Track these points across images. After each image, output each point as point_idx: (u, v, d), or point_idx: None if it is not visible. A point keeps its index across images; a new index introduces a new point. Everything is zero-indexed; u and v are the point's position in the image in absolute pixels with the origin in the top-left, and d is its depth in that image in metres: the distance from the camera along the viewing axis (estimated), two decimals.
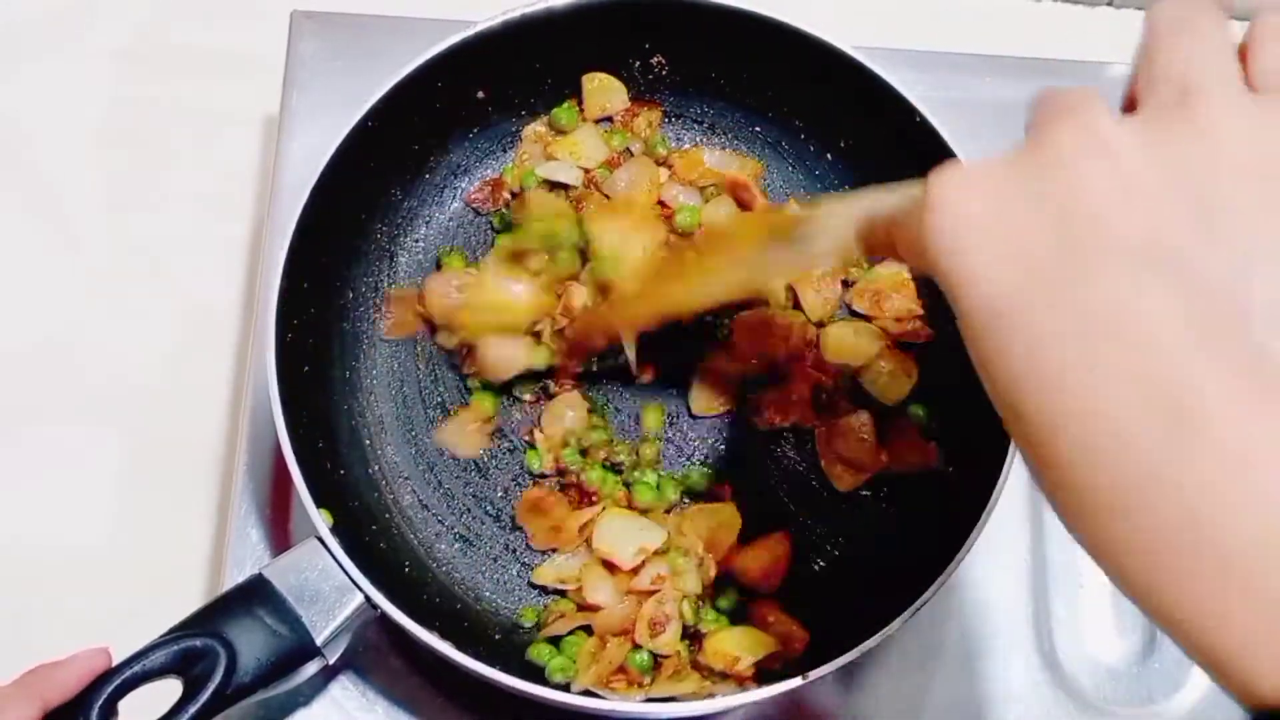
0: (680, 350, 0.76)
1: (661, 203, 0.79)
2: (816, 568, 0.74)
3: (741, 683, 0.66)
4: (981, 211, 0.35)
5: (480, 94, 0.78)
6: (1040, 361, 0.34)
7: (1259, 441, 0.31)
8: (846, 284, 0.79)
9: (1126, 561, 0.34)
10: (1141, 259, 0.33)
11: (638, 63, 0.80)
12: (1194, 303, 0.33)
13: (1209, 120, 0.34)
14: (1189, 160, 0.34)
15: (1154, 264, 0.33)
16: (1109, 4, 0.99)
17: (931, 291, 0.77)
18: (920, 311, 0.76)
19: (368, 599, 0.62)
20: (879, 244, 0.46)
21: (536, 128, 0.80)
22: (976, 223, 0.35)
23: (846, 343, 0.77)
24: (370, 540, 0.70)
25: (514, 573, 0.73)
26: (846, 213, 0.49)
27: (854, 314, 0.78)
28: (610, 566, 0.70)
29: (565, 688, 0.66)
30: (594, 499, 0.72)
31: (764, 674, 0.67)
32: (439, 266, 0.78)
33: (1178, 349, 0.32)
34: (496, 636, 0.71)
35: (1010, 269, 0.34)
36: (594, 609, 0.70)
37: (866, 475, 0.75)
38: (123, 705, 0.57)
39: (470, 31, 0.72)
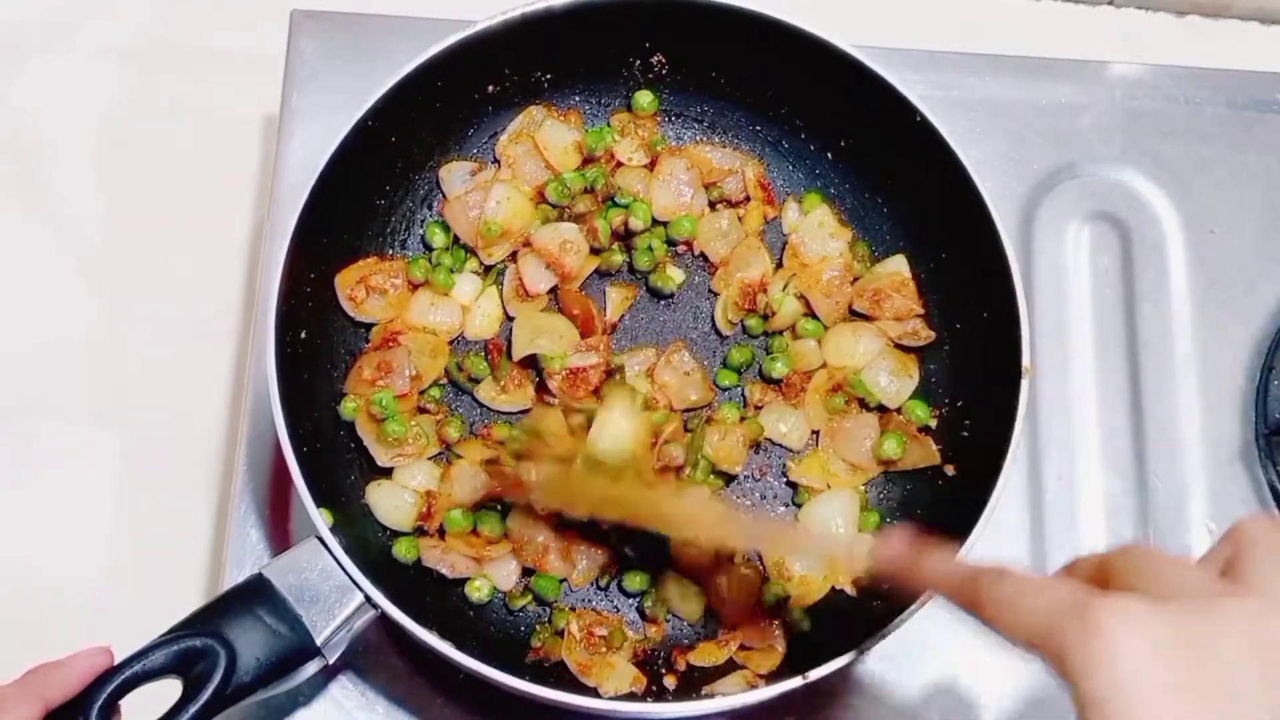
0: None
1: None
2: None
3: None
4: (1159, 656, 0.39)
5: (479, 93, 0.78)
6: None
7: None
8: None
9: None
10: None
11: (638, 61, 0.80)
12: None
13: None
14: None
15: None
16: (1109, 3, 0.99)
17: (932, 292, 0.77)
18: (921, 311, 0.76)
19: (368, 599, 0.62)
20: (954, 594, 0.49)
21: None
22: (1150, 662, 0.39)
23: (847, 343, 0.77)
24: (370, 540, 0.70)
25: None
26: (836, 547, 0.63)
27: (854, 314, 0.78)
28: None
29: (562, 677, 0.66)
30: None
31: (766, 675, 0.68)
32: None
33: None
34: (496, 636, 0.71)
35: (1172, 712, 0.38)
36: None
37: (866, 475, 0.75)
38: (123, 705, 0.57)
39: (470, 31, 0.73)
